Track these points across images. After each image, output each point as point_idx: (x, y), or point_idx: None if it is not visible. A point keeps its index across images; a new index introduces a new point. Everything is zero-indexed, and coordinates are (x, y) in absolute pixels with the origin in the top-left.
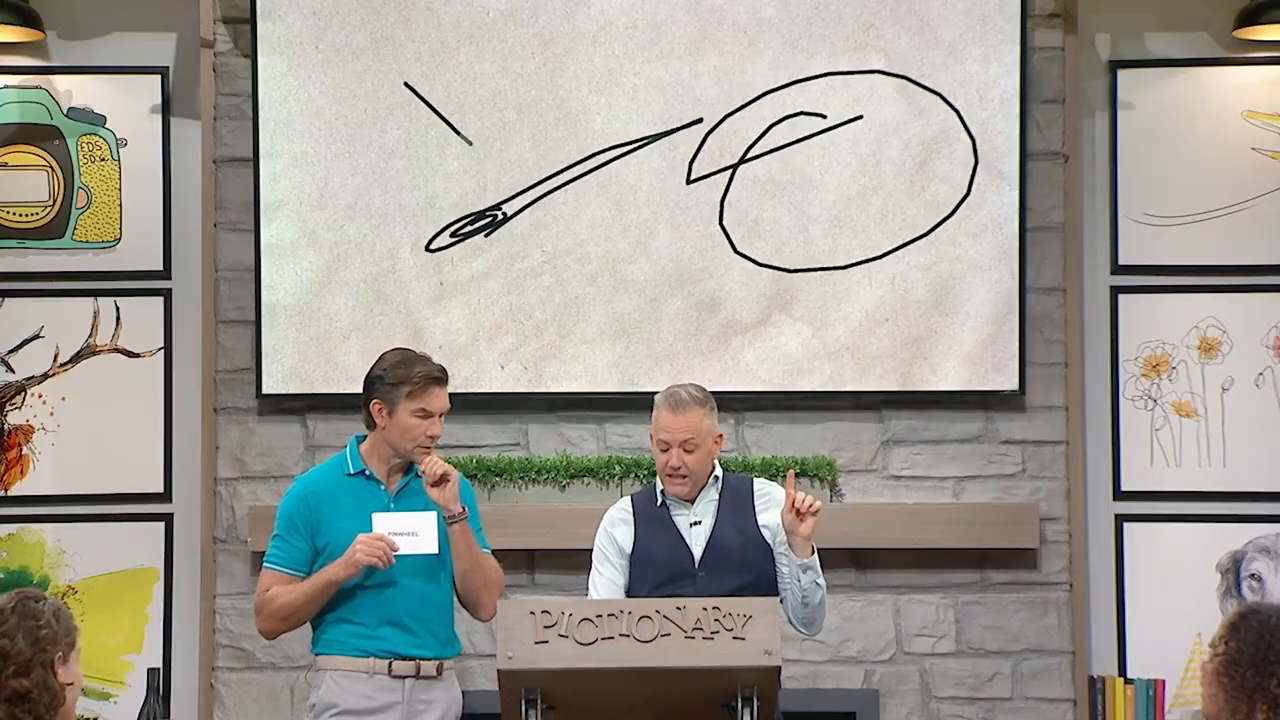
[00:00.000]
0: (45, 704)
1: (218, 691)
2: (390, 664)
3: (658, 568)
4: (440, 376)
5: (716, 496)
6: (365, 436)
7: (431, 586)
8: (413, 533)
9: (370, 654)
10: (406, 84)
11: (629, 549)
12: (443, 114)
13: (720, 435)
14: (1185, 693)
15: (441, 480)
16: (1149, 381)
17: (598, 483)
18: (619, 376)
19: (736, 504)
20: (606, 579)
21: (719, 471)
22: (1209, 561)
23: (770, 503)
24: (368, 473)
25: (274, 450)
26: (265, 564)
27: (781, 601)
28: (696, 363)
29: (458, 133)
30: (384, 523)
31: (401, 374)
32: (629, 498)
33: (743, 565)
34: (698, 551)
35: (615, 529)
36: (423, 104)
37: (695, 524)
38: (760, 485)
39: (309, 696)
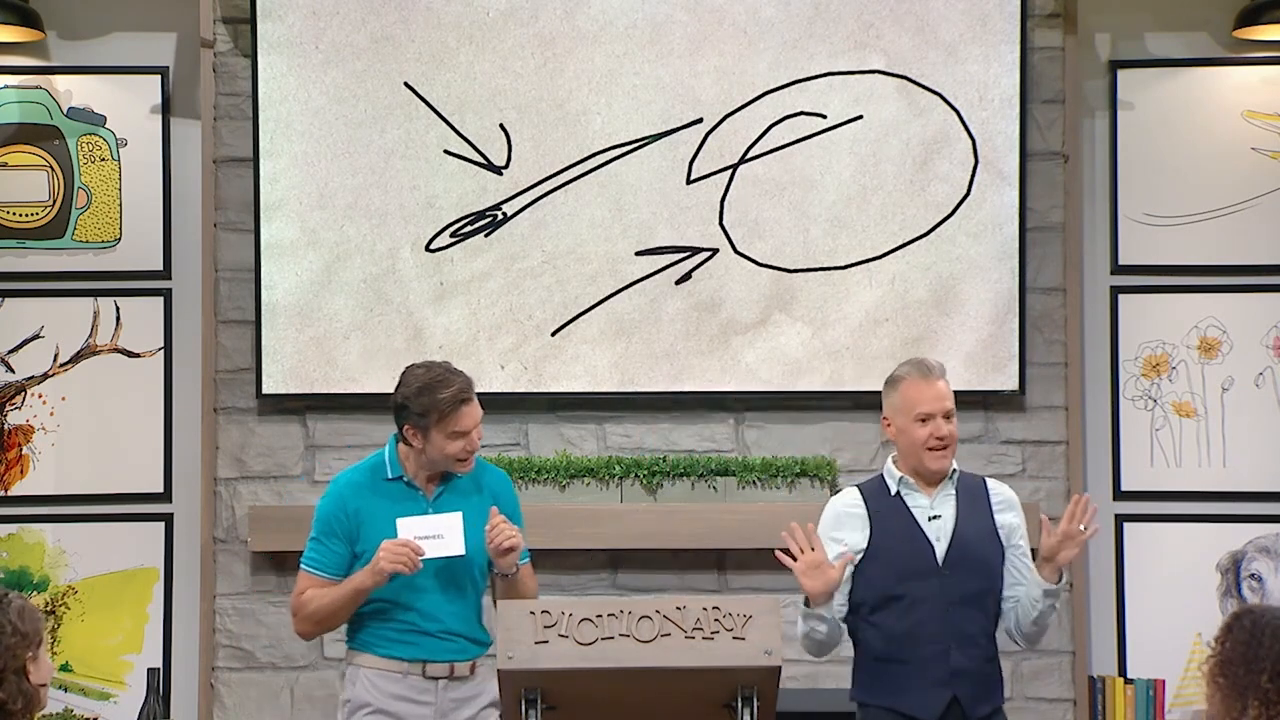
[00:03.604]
0: (22, 710)
1: (218, 691)
2: (424, 666)
3: (895, 564)
4: (467, 395)
5: (954, 491)
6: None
7: (459, 597)
8: (438, 535)
9: (403, 659)
10: (406, 84)
11: (861, 546)
12: (443, 114)
13: None
14: (1185, 693)
15: (509, 551)
16: (1149, 381)
17: (597, 483)
18: (619, 376)
19: (974, 500)
20: None
21: (955, 464)
22: (1209, 561)
23: (1005, 504)
24: (406, 479)
25: (274, 450)
26: (302, 565)
27: (1007, 610)
28: (696, 363)
29: (458, 133)
30: (408, 527)
31: (426, 402)
32: (855, 489)
33: (984, 566)
34: (940, 547)
35: (842, 530)
36: (423, 104)
37: (934, 518)
38: (993, 485)
39: (343, 691)
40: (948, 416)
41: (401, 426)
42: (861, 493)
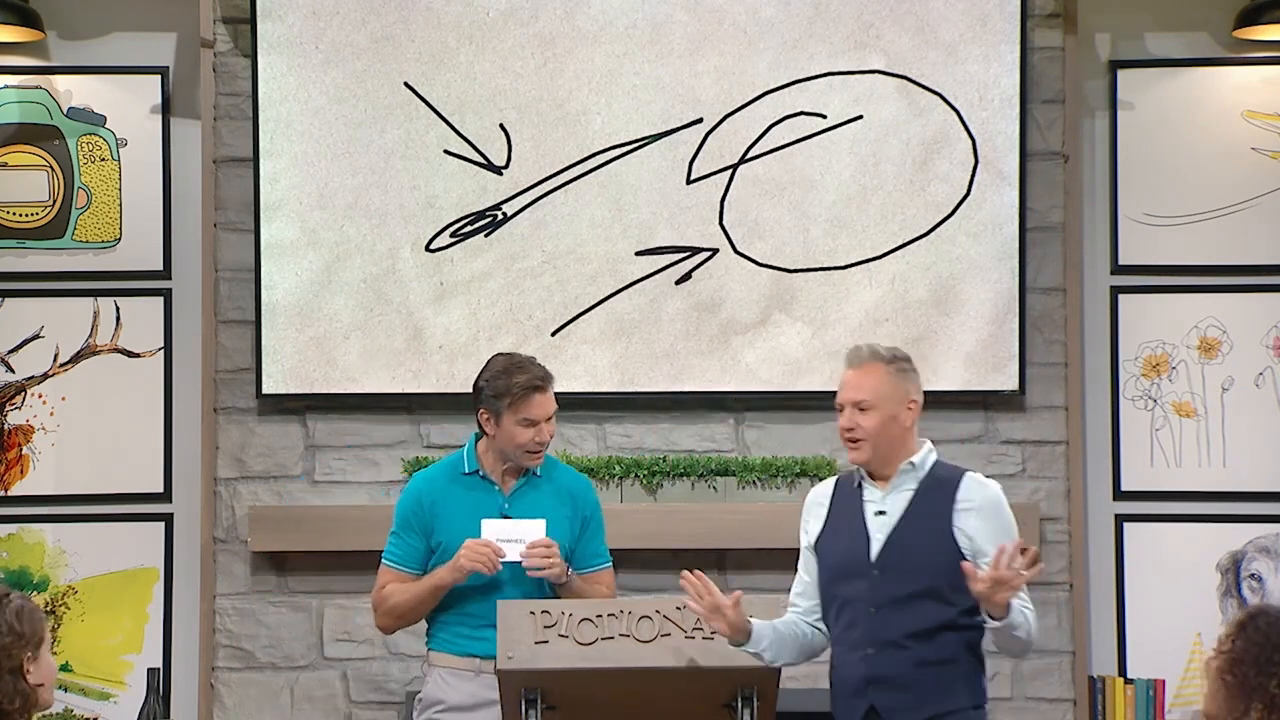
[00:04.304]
0: (19, 710)
1: (218, 691)
2: (496, 663)
3: (832, 558)
4: (541, 384)
5: (914, 487)
6: (482, 434)
7: (535, 593)
8: (520, 539)
9: (476, 655)
10: (406, 84)
11: (814, 541)
12: (443, 114)
13: (914, 401)
14: (1185, 693)
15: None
16: (1149, 381)
17: (598, 483)
18: (619, 376)
19: (934, 499)
20: (800, 569)
21: (926, 458)
22: (1209, 561)
23: (973, 508)
24: (483, 474)
25: (274, 450)
26: (383, 559)
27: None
28: (696, 363)
29: (458, 133)
30: (492, 529)
31: (502, 385)
32: (834, 479)
33: (923, 568)
34: (875, 545)
35: (808, 520)
36: (423, 104)
37: (880, 514)
38: (969, 483)
39: (420, 690)
40: (859, 406)
41: (478, 411)
42: (835, 483)
